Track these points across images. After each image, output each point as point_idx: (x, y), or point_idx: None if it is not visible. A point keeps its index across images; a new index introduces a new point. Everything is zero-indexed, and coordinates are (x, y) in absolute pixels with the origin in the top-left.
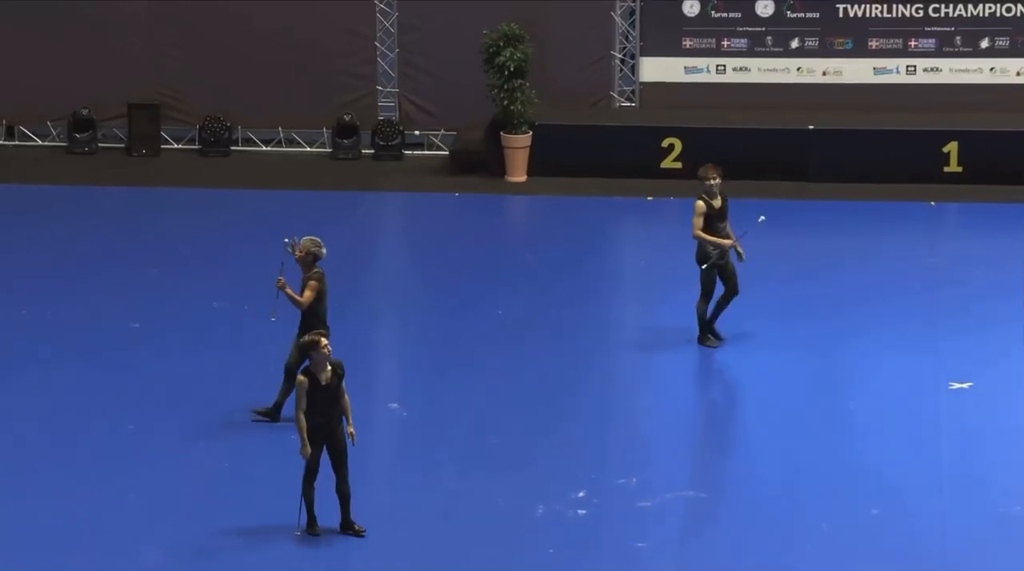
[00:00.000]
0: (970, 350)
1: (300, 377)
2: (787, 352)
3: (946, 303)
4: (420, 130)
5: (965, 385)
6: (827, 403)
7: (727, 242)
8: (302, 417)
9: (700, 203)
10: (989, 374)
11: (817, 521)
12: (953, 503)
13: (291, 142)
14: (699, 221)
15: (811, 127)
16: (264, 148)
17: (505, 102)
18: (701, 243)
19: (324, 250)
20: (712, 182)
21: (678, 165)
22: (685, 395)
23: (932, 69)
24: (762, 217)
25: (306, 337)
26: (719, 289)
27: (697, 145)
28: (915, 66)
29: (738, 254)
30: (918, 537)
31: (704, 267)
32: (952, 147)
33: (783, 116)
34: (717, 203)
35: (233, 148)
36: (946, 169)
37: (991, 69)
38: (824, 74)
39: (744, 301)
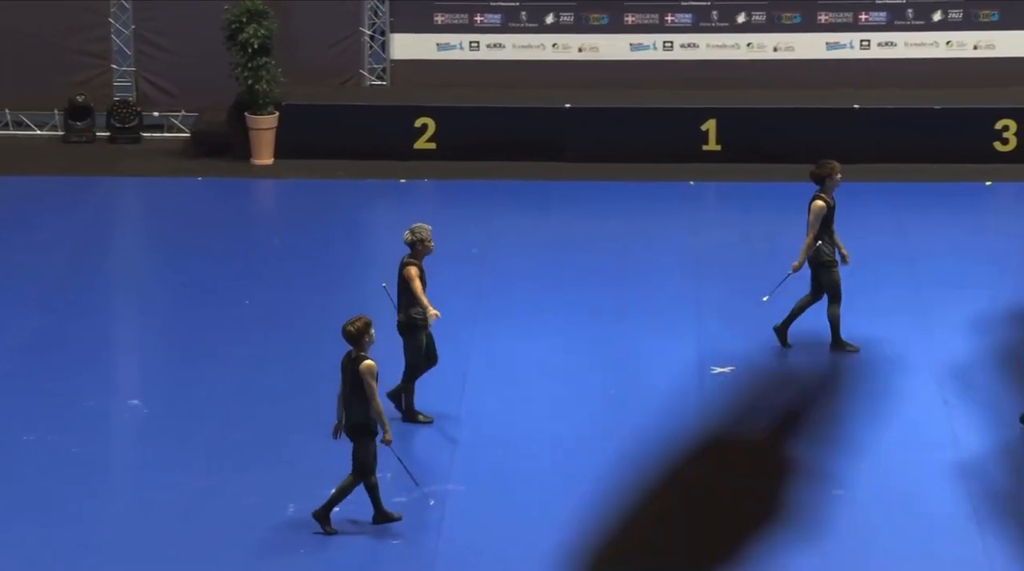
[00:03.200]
0: (732, 333)
1: (372, 361)
2: (542, 339)
3: (707, 285)
4: (159, 111)
5: (727, 369)
6: (586, 391)
7: (798, 262)
8: (380, 403)
9: (822, 204)
10: (750, 357)
11: (580, 511)
12: None
13: (19, 125)
14: (818, 224)
15: (567, 105)
16: None
17: (249, 81)
18: (804, 248)
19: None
20: (839, 178)
21: (432, 146)
22: (442, 384)
23: (689, 45)
24: (765, 297)
25: (361, 320)
26: (796, 291)
27: (451, 125)
28: (672, 42)
29: (843, 257)
30: None
31: (831, 270)
32: (711, 125)
33: (539, 94)
34: (832, 202)
35: None
36: (705, 147)
37: (748, 44)
38: (580, 51)
39: (500, 288)
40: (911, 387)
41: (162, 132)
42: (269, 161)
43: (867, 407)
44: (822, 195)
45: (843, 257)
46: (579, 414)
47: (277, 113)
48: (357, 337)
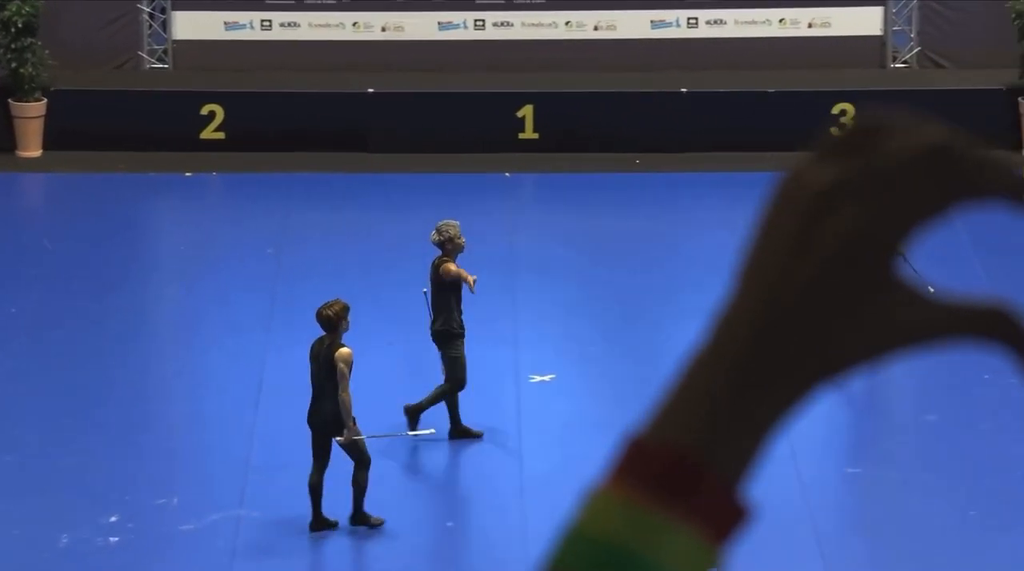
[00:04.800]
0: (552, 339)
1: (349, 349)
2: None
3: (525, 286)
4: None
5: (547, 378)
6: (392, 402)
7: None
8: (350, 395)
9: None
10: (571, 365)
11: (386, 538)
12: (535, 506)
13: None
14: None
15: (370, 90)
16: None
17: (13, 64)
18: None
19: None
20: None
21: (220, 135)
22: (234, 398)
23: (503, 23)
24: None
25: (338, 304)
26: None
27: (241, 112)
28: (484, 20)
29: None
30: (498, 547)
31: None
32: (527, 111)
33: (338, 78)
34: None
35: None
36: (521, 136)
37: (567, 23)
38: (383, 30)
39: (296, 291)
40: None
41: None
42: (37, 153)
43: None
44: None
45: None
46: (384, 428)
47: (45, 100)
48: (336, 322)
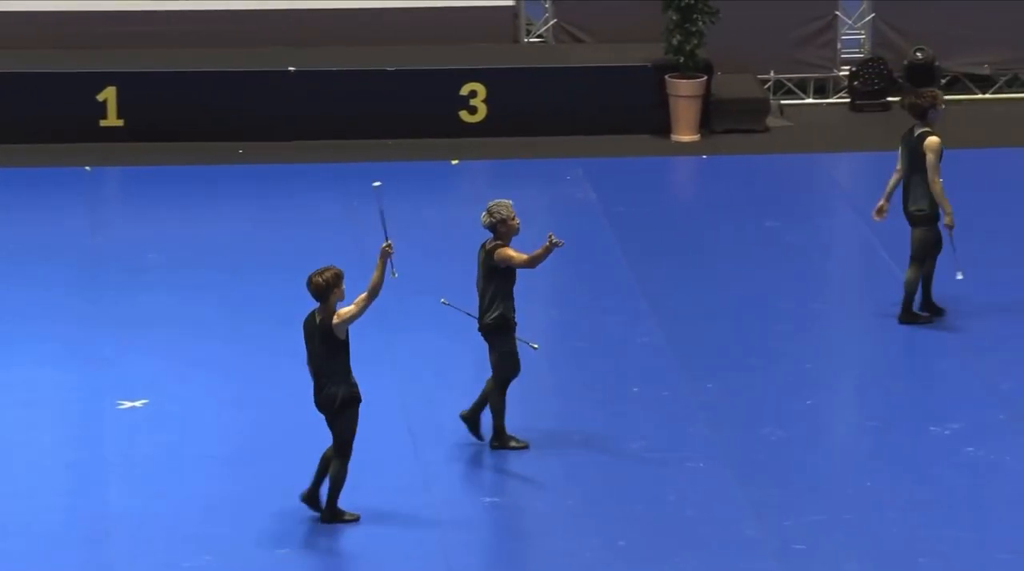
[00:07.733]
0: (145, 359)
1: (340, 313)
2: None
3: (116, 297)
4: None
5: (138, 403)
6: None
7: (950, 215)
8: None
9: (939, 140)
10: (169, 388)
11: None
12: (119, 554)
13: None
14: (939, 164)
15: None
16: None
17: None
18: (935, 199)
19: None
20: (943, 109)
21: None
22: None
23: None
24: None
25: (331, 270)
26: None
27: None
28: None
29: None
30: None
31: (931, 225)
32: (109, 94)
33: None
34: None
35: None
36: (103, 123)
37: None
38: None
39: None
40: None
41: None
42: None
43: None
44: (931, 130)
45: (946, 214)
46: None
47: None
48: (325, 290)
